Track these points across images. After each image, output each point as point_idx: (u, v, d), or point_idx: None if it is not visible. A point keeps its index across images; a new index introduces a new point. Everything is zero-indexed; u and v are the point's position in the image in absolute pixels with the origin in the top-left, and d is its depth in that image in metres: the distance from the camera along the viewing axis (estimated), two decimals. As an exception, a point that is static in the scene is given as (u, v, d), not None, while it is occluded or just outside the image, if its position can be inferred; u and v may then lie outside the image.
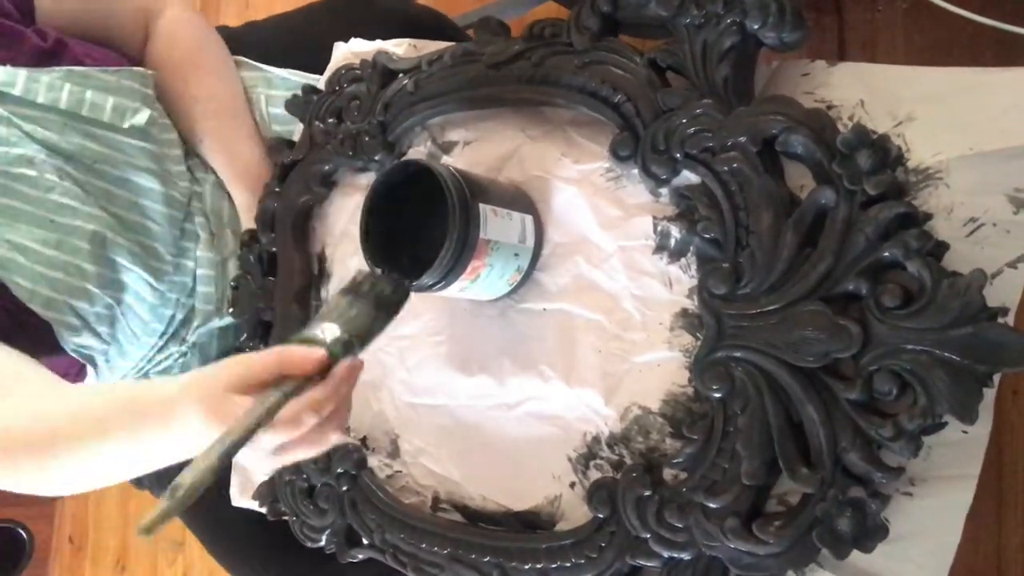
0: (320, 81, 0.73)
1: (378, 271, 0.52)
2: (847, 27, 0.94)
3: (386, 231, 0.56)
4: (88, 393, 0.61)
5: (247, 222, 0.76)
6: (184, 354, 0.76)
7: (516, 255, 0.56)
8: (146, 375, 0.77)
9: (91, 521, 1.85)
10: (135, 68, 0.72)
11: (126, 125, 0.70)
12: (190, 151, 0.77)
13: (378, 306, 0.48)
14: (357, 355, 0.47)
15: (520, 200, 0.57)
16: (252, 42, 0.83)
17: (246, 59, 0.81)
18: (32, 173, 0.66)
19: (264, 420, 0.43)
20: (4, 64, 0.66)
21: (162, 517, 0.40)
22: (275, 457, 0.48)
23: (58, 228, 0.67)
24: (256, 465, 0.72)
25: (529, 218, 0.57)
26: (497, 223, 0.54)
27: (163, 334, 0.74)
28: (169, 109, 0.76)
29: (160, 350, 0.75)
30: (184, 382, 0.49)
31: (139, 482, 0.84)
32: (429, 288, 0.54)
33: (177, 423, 0.48)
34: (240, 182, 0.76)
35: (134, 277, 0.70)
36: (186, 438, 0.48)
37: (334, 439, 0.49)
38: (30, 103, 0.66)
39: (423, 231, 0.56)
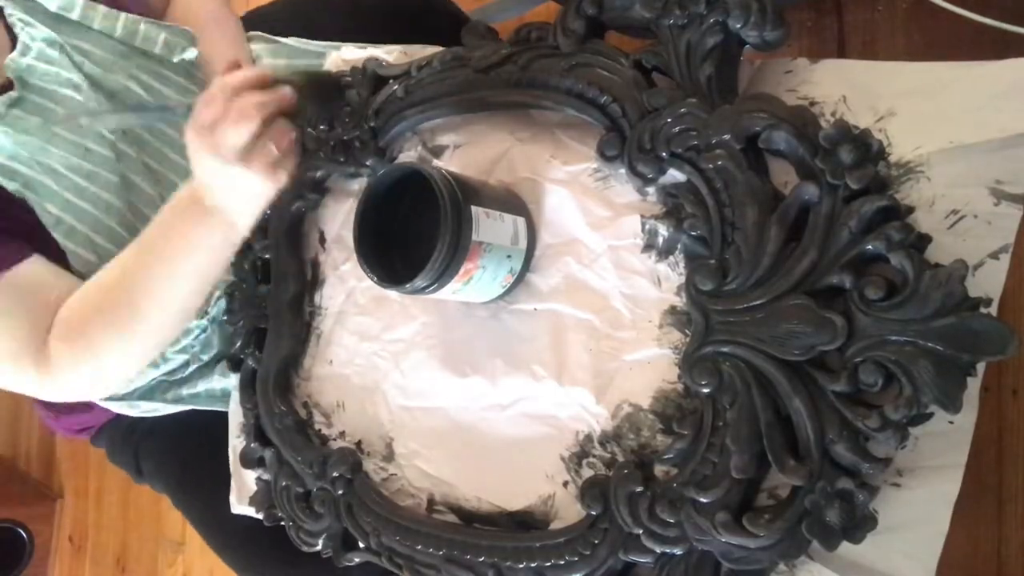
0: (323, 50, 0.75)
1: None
2: (847, 27, 0.94)
3: (380, 235, 0.56)
4: (127, 251, 0.62)
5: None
6: (204, 329, 0.76)
7: (509, 257, 0.56)
8: (164, 359, 0.76)
9: (91, 521, 1.85)
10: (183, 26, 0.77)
11: (175, 60, 0.73)
12: None
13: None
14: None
15: (512, 202, 0.58)
16: (255, 24, 0.84)
17: (255, 32, 0.82)
18: (78, 98, 0.68)
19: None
20: None
21: None
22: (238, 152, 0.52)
23: (92, 158, 0.68)
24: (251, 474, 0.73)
25: (521, 220, 0.57)
26: (489, 225, 0.54)
27: None
28: None
29: None
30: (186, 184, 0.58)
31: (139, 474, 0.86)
32: (423, 290, 0.54)
33: (202, 209, 0.56)
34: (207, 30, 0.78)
35: None
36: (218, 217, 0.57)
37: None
38: (85, 29, 0.69)
39: (416, 234, 0.56)
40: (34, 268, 0.64)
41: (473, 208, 0.53)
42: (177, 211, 0.59)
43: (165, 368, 0.76)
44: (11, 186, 0.65)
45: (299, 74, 0.57)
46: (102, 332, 0.61)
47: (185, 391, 0.80)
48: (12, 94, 0.67)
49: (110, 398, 0.77)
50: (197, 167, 0.55)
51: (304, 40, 0.80)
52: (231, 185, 0.55)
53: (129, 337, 0.61)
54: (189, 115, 0.53)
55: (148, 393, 0.78)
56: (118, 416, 0.81)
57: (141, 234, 0.61)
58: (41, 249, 0.66)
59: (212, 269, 0.61)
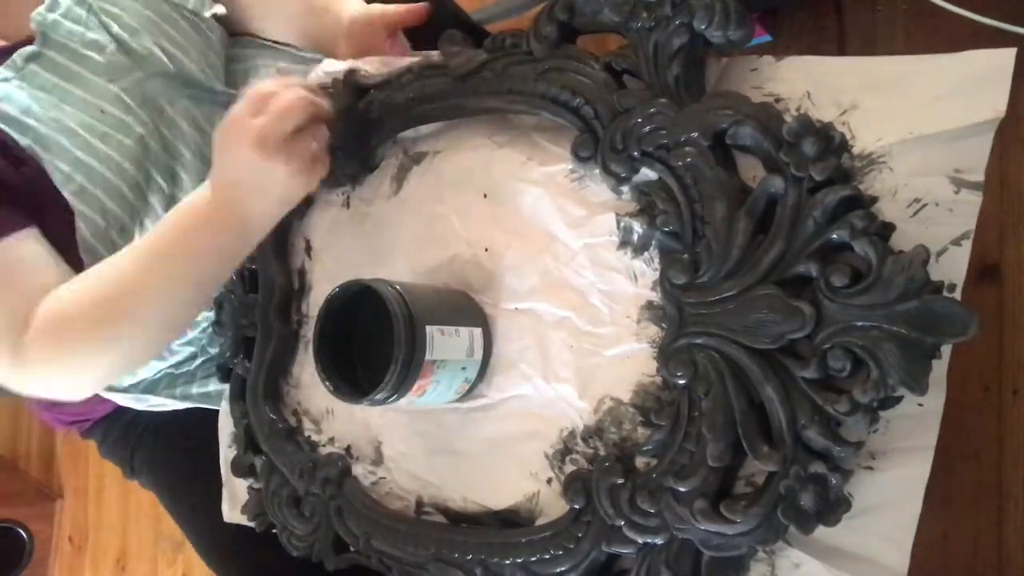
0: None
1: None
2: (847, 27, 0.96)
3: (340, 338, 0.58)
4: (128, 249, 0.59)
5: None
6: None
7: (464, 368, 0.58)
8: (171, 351, 0.76)
9: (91, 521, 1.86)
10: None
11: (207, 13, 0.74)
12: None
13: None
14: None
15: (469, 313, 0.59)
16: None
17: (254, 39, 0.82)
18: (100, 59, 0.68)
19: None
20: None
21: None
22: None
23: (107, 120, 0.67)
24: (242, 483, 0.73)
25: (478, 331, 0.58)
26: (444, 342, 0.55)
27: None
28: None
29: None
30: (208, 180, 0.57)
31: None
32: (378, 403, 0.55)
33: (221, 210, 0.55)
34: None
35: (159, 199, 0.71)
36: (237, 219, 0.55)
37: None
38: None
39: (376, 339, 0.57)
40: (28, 245, 0.61)
41: (428, 328, 0.54)
42: (189, 212, 0.57)
43: (172, 360, 0.76)
44: (23, 141, 0.65)
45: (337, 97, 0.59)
46: (87, 334, 0.57)
47: (195, 389, 0.80)
48: (33, 48, 0.67)
49: (118, 390, 0.77)
50: (225, 161, 0.54)
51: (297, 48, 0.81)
52: (259, 182, 0.54)
53: (115, 344, 0.58)
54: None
55: (153, 386, 0.78)
56: (118, 410, 0.81)
57: (147, 234, 0.58)
58: (47, 215, 0.64)
59: (214, 278, 0.60)
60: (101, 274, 0.58)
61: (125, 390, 0.78)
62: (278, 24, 0.80)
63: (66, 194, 0.65)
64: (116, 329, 0.57)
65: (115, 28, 0.69)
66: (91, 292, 0.58)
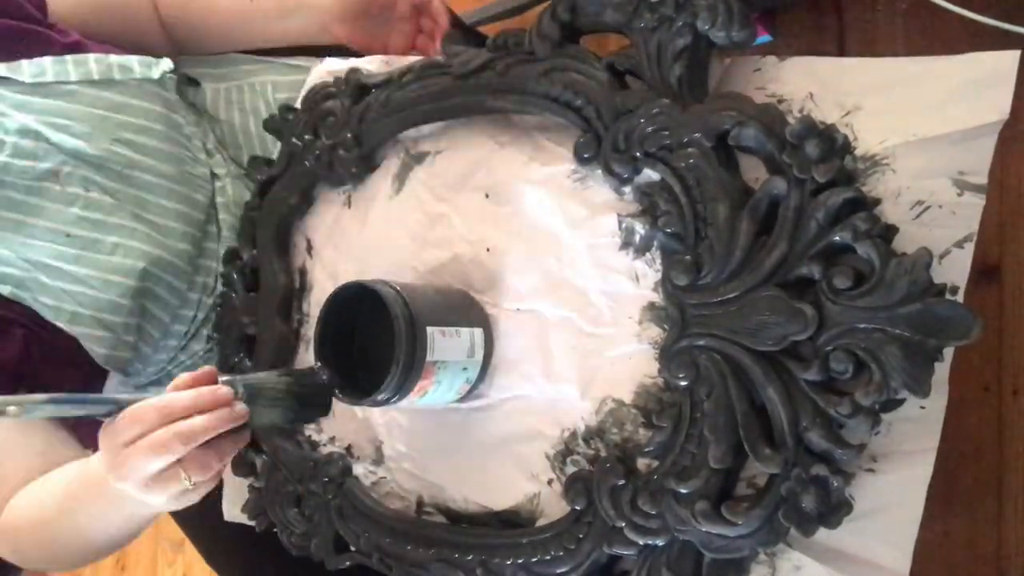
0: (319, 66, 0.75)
1: (323, 376, 0.57)
2: (847, 27, 0.95)
3: (342, 338, 0.58)
4: (51, 483, 0.64)
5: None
6: (209, 350, 0.77)
7: (465, 369, 0.57)
8: (169, 376, 0.76)
9: None
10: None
11: (156, 75, 0.71)
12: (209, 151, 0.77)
13: (296, 396, 0.55)
14: (249, 415, 0.51)
15: (470, 313, 0.59)
16: None
17: (246, 55, 0.82)
18: (56, 188, 0.67)
19: None
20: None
21: None
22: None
23: (75, 242, 0.67)
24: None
25: (479, 331, 0.58)
26: (445, 343, 0.55)
27: (185, 334, 0.74)
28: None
29: (183, 350, 0.76)
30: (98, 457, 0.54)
31: None
32: (379, 404, 0.56)
33: (111, 492, 0.54)
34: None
35: (161, 284, 0.71)
36: (127, 501, 0.55)
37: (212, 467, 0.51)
38: (64, 92, 0.68)
39: (377, 339, 0.58)
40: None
41: (428, 329, 0.54)
42: (87, 483, 0.59)
43: (198, 349, 0.77)
44: (4, 289, 0.66)
45: (284, 379, 0.55)
46: (33, 551, 0.66)
47: None
48: None
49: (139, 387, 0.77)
50: (103, 464, 0.53)
51: (289, 57, 0.81)
52: (130, 495, 0.52)
53: (59, 561, 0.68)
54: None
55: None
56: None
57: (68, 483, 0.61)
58: (45, 346, 0.67)
59: (135, 525, 0.63)
60: (43, 505, 0.63)
61: (144, 388, 0.78)
62: (259, 36, 0.79)
63: (61, 325, 0.67)
64: (58, 556, 0.67)
65: (69, 142, 0.67)
66: (36, 524, 0.64)
